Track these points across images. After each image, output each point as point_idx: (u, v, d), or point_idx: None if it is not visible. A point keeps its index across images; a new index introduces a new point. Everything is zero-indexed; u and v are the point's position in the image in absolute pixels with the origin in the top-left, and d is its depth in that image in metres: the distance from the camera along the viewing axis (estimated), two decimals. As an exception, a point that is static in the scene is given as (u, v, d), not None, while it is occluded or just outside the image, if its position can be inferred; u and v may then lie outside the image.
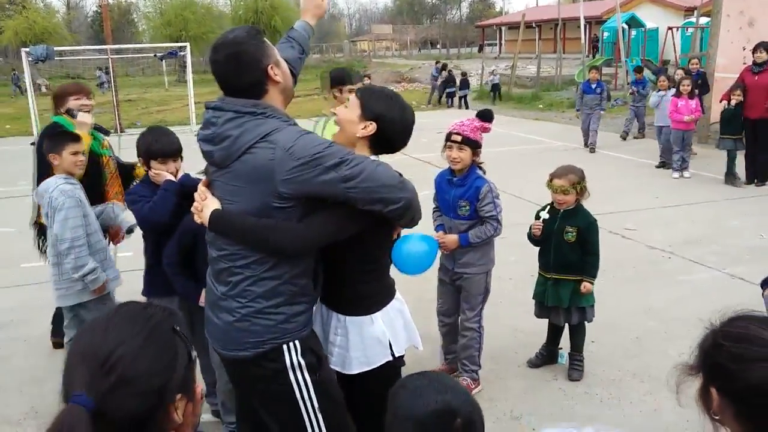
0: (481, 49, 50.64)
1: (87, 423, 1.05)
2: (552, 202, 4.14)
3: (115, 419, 1.09)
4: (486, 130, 3.84)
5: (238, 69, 2.29)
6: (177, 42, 38.49)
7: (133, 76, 42.98)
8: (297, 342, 2.36)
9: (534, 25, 33.92)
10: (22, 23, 38.84)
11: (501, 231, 3.92)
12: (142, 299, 3.21)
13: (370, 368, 2.55)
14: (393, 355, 2.58)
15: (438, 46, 62.52)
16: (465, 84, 23.46)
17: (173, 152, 3.44)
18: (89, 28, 67.24)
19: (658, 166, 11.03)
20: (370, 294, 2.57)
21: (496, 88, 24.11)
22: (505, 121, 19.06)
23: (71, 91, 4.51)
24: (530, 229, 4.19)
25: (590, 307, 4.16)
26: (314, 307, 2.62)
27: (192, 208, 2.43)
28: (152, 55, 17.46)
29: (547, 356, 4.41)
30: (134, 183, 3.69)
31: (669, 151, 10.58)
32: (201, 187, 2.42)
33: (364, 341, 2.54)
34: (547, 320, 4.34)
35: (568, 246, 4.04)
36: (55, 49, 15.05)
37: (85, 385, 1.09)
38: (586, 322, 4.21)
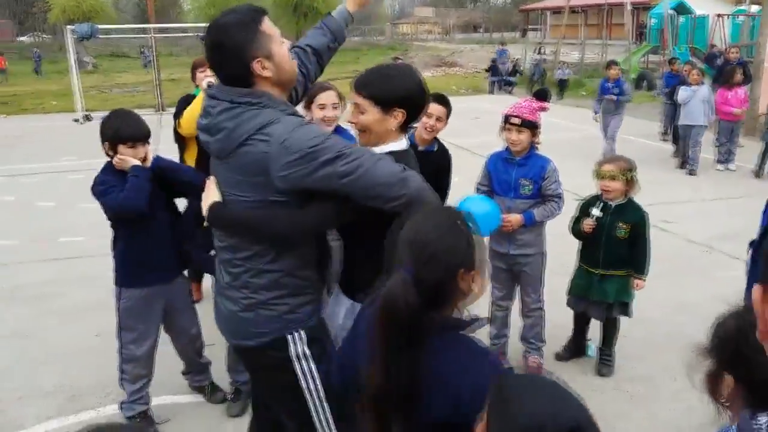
0: (524, 34, 49.93)
1: (411, 285, 1.53)
2: (599, 196, 4.00)
3: (428, 284, 1.56)
4: (544, 109, 3.84)
5: (221, 59, 2.19)
6: (220, 22, 39.01)
7: (177, 55, 43.43)
8: (303, 332, 2.34)
9: (579, 10, 33.29)
10: (70, 1, 39.46)
11: (563, 209, 3.94)
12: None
13: None
14: None
15: (480, 30, 61.80)
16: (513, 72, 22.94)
17: (143, 135, 3.29)
18: (136, 7, 68.09)
19: (680, 167, 10.21)
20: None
21: (563, 84, 21.32)
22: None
23: (196, 65, 4.76)
24: (574, 222, 4.08)
25: (631, 302, 4.08)
26: (335, 292, 2.61)
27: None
28: (195, 35, 17.50)
29: (574, 349, 4.34)
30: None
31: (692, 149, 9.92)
32: (207, 180, 2.37)
33: None
34: (571, 311, 4.28)
35: (619, 242, 3.92)
36: (99, 27, 15.23)
37: (410, 261, 1.57)
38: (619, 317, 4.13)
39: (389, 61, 17.13)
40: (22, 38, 55.23)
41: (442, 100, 4.00)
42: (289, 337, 2.32)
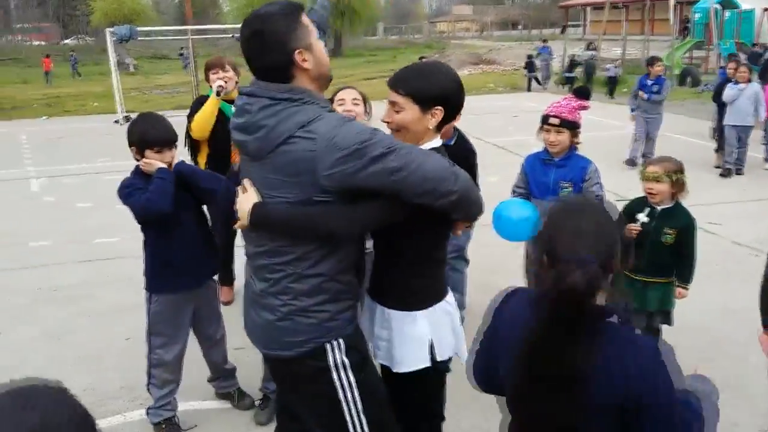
0: (563, 30, 49.22)
1: (598, 273, 1.58)
2: (645, 199, 3.78)
3: (608, 273, 1.65)
4: (584, 108, 3.68)
5: (262, 49, 2.08)
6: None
7: (227, 53, 43.89)
8: (341, 340, 2.24)
9: (621, 5, 32.65)
10: (112, 4, 40.24)
11: None
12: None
13: (409, 370, 2.41)
14: (435, 359, 2.41)
15: (519, 27, 61.15)
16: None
17: (170, 140, 3.25)
18: (177, 9, 69.06)
19: (723, 174, 9.31)
20: (417, 290, 2.40)
21: (612, 81, 20.35)
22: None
23: (209, 66, 4.75)
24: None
25: (673, 310, 3.88)
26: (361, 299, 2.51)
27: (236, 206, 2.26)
28: (230, 36, 17.62)
29: None
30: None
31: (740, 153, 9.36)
32: (245, 182, 2.23)
33: (406, 340, 2.39)
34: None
35: (665, 248, 3.70)
36: (138, 29, 15.43)
37: (589, 250, 1.60)
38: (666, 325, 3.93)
39: (423, 56, 17.05)
40: (66, 41, 56.50)
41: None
42: (328, 345, 2.23)
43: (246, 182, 2.21)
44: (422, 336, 2.38)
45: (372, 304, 2.50)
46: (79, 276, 6.03)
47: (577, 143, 3.78)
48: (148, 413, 3.56)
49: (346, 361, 2.24)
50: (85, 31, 55.37)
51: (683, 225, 3.70)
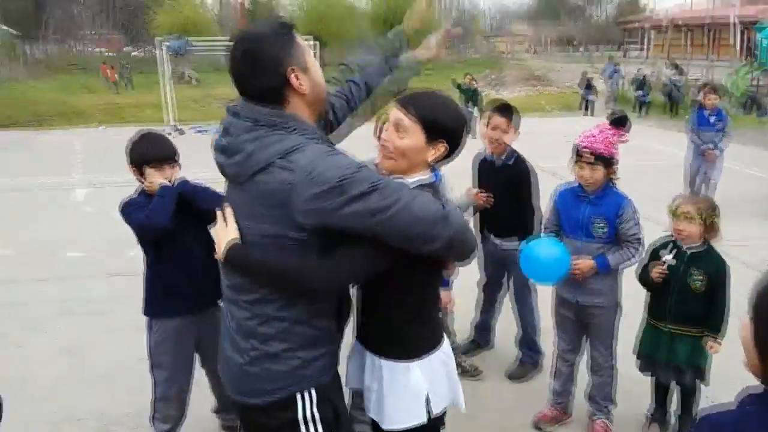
0: (620, 48, 48.25)
1: None
2: (674, 240, 3.45)
3: None
4: (622, 140, 3.37)
5: (254, 69, 1.94)
6: (315, 38, 39.67)
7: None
8: (313, 391, 2.05)
9: (685, 27, 31.76)
10: (175, 17, 41.17)
11: (642, 254, 3.46)
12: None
13: (403, 427, 2.18)
14: (430, 413, 2.19)
15: (576, 44, 60.22)
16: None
17: (169, 156, 3.16)
18: (236, 24, 70.51)
19: None
20: (410, 338, 2.18)
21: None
22: (635, 129, 17.86)
23: None
24: (643, 269, 3.53)
25: (708, 367, 3.49)
26: (352, 346, 2.32)
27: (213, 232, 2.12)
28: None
29: (660, 419, 3.74)
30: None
31: None
32: (227, 211, 2.06)
33: (399, 393, 2.17)
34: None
35: (694, 295, 3.36)
36: (190, 41, 15.65)
37: None
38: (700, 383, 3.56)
39: (462, 80, 16.79)
40: (132, 51, 58.17)
41: (501, 110, 3.97)
42: (298, 395, 2.04)
43: (228, 211, 2.05)
44: (418, 389, 2.16)
45: (361, 350, 2.29)
46: (105, 290, 6.01)
47: (615, 178, 3.49)
48: None
49: (317, 414, 2.06)
50: (148, 41, 57.01)
51: (715, 270, 3.37)
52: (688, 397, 3.60)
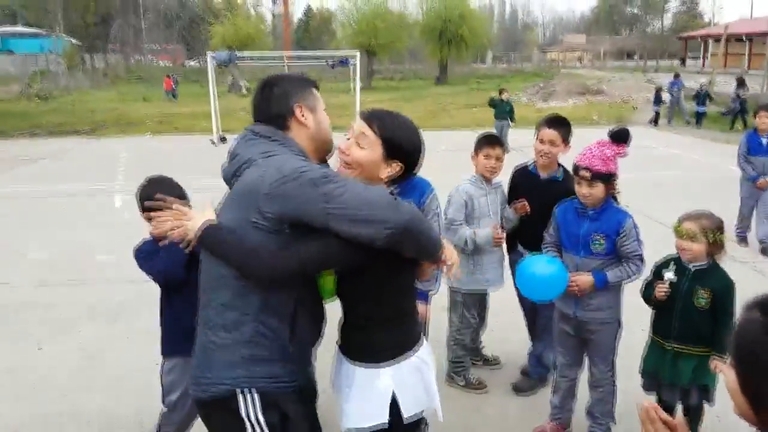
0: (683, 63, 47.12)
1: None
2: (677, 258, 3.36)
3: None
4: (621, 155, 3.30)
5: (268, 97, 2.25)
6: (367, 49, 39.94)
7: (327, 81, 45.08)
8: (254, 392, 2.08)
9: (744, 38, 30.85)
10: (230, 29, 42.15)
11: (643, 271, 3.38)
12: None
13: (359, 427, 2.21)
14: (400, 416, 2.20)
15: (635, 57, 59.09)
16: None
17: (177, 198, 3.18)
18: (293, 35, 71.80)
19: None
20: (382, 344, 2.22)
21: None
22: (686, 142, 17.41)
23: None
24: (646, 287, 3.45)
25: (714, 387, 3.37)
26: (336, 356, 2.37)
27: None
28: (324, 62, 17.94)
29: None
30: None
31: None
32: (206, 203, 2.24)
33: (364, 394, 2.21)
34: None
35: (698, 313, 3.26)
36: (237, 54, 15.98)
37: None
38: (706, 403, 3.44)
39: (503, 88, 16.58)
40: (190, 62, 59.80)
41: (553, 123, 3.91)
42: (240, 394, 2.09)
43: (207, 203, 2.23)
44: (383, 392, 2.19)
45: (340, 358, 2.35)
46: (130, 295, 6.13)
47: (616, 193, 3.41)
48: None
49: (261, 419, 2.09)
50: (206, 53, 58.51)
51: (720, 287, 3.25)
52: (693, 418, 3.46)
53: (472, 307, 4.21)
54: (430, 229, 2.13)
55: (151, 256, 3.09)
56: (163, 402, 3.32)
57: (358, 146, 2.18)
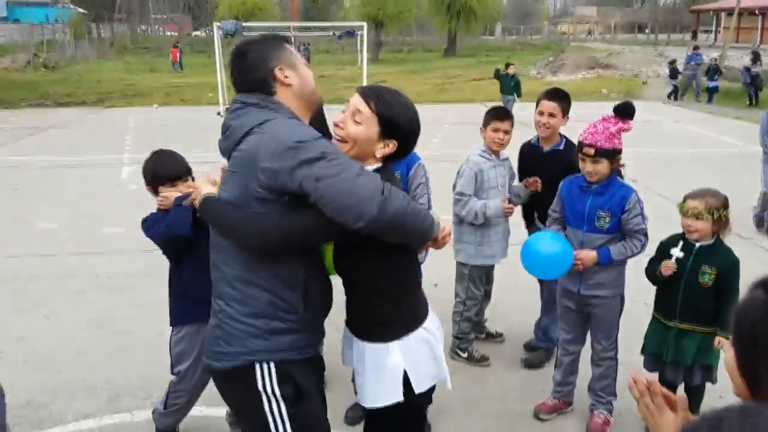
0: (694, 36, 46.46)
1: None
2: (683, 234, 3.37)
3: None
4: (624, 130, 3.28)
5: (243, 67, 2.21)
6: (374, 20, 39.55)
7: (334, 52, 44.75)
8: (272, 365, 2.11)
9: (758, 12, 30.40)
10: (239, 0, 41.82)
11: (647, 247, 3.39)
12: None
13: (380, 405, 2.24)
14: (413, 390, 2.23)
15: (646, 30, 58.34)
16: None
17: (180, 172, 3.19)
18: (300, 5, 71.08)
19: None
20: (388, 320, 2.24)
21: None
22: (697, 118, 17.26)
23: None
24: (650, 263, 3.46)
25: (716, 366, 3.38)
26: (344, 333, 2.40)
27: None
28: (331, 33, 17.79)
29: None
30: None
31: None
32: (220, 173, 2.27)
33: (378, 372, 2.24)
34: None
35: (702, 290, 3.26)
36: (243, 24, 15.86)
37: None
38: (709, 383, 3.46)
39: (510, 62, 16.37)
40: (196, 32, 59.40)
41: (552, 96, 4.02)
42: (257, 366, 2.12)
43: (205, 176, 2.31)
44: (395, 368, 2.22)
45: (350, 337, 2.37)
46: (136, 265, 6.19)
47: (620, 166, 3.40)
48: (153, 414, 3.51)
49: (277, 391, 2.12)
50: (212, 23, 58.09)
51: (725, 265, 3.26)
52: (694, 398, 3.48)
53: (478, 280, 4.25)
54: (419, 218, 2.05)
55: (157, 223, 3.13)
56: (172, 372, 3.35)
57: (353, 122, 2.15)
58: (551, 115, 3.98)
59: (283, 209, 2.02)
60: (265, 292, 2.09)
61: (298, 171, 1.93)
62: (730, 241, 3.38)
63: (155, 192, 3.21)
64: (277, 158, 1.95)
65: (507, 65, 15.86)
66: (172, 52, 34.66)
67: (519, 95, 15.42)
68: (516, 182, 4.26)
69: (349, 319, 2.34)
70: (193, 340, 3.24)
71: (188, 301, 3.20)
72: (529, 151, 4.24)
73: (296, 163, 1.93)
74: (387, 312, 2.23)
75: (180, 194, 3.13)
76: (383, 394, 2.23)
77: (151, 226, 3.17)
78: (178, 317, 3.28)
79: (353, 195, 1.90)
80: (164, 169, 3.20)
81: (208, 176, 2.35)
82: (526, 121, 14.01)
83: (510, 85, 15.33)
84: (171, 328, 3.32)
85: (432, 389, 2.38)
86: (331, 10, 61.38)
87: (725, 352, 1.29)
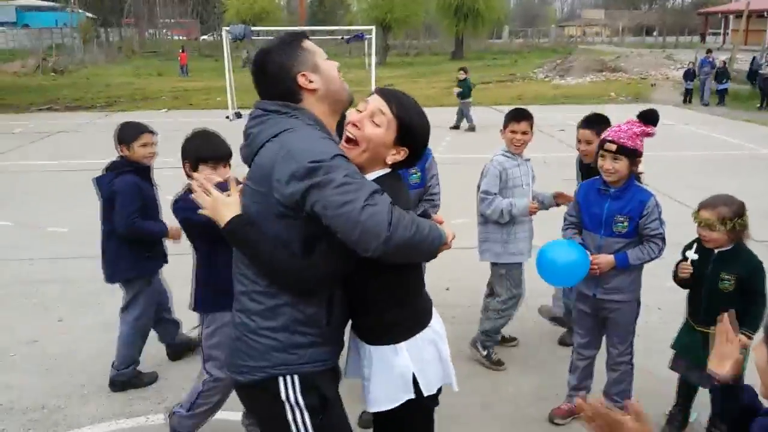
0: (703, 39, 46.34)
1: None
2: (699, 239, 3.34)
3: None
4: (648, 134, 3.29)
5: (266, 78, 2.15)
6: (382, 24, 39.58)
7: (341, 55, 44.80)
8: (296, 377, 2.09)
9: (766, 14, 30.27)
10: (244, 3, 41.93)
11: (664, 252, 3.38)
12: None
13: (389, 407, 2.21)
14: (420, 392, 2.20)
15: (654, 33, 58.18)
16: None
17: (224, 156, 3.18)
18: (308, 9, 71.20)
19: None
20: (394, 322, 2.20)
21: None
22: (708, 120, 17.20)
23: None
24: (676, 267, 3.44)
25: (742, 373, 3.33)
26: (350, 339, 2.36)
27: (196, 194, 2.25)
28: (340, 38, 17.81)
29: (681, 420, 3.63)
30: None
31: None
32: (232, 182, 2.24)
33: (386, 375, 2.20)
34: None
35: (724, 295, 3.21)
36: (252, 28, 15.91)
37: None
38: None
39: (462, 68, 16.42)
40: (204, 37, 59.60)
41: (589, 123, 4.13)
42: (281, 380, 2.09)
43: (232, 184, 2.23)
44: (404, 370, 2.19)
45: (356, 339, 2.34)
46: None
47: (639, 173, 3.39)
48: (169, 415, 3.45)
49: (302, 402, 2.09)
50: (220, 27, 58.31)
51: (746, 270, 3.21)
52: (718, 402, 3.41)
53: (516, 278, 4.28)
54: (426, 240, 1.99)
55: (191, 206, 3.07)
56: (205, 368, 3.30)
57: (372, 123, 2.08)
58: (586, 141, 4.12)
59: (304, 230, 1.99)
60: (290, 307, 2.07)
61: (308, 196, 1.89)
62: (750, 242, 3.34)
63: (193, 170, 3.15)
64: (292, 179, 1.90)
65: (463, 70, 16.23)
66: (180, 56, 34.80)
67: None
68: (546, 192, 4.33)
69: (355, 324, 2.31)
70: (224, 333, 3.14)
71: (218, 289, 3.09)
72: (582, 165, 4.40)
73: (307, 186, 1.88)
74: (396, 314, 2.20)
75: (217, 178, 3.05)
76: (392, 395, 2.20)
77: (183, 208, 3.06)
78: (207, 304, 3.23)
79: (357, 229, 1.85)
80: (207, 150, 3.17)
81: (231, 185, 2.24)
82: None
83: (468, 89, 15.67)
84: (199, 317, 3.28)
85: (439, 391, 2.35)
86: (338, 14, 61.49)
87: (755, 352, 1.27)
